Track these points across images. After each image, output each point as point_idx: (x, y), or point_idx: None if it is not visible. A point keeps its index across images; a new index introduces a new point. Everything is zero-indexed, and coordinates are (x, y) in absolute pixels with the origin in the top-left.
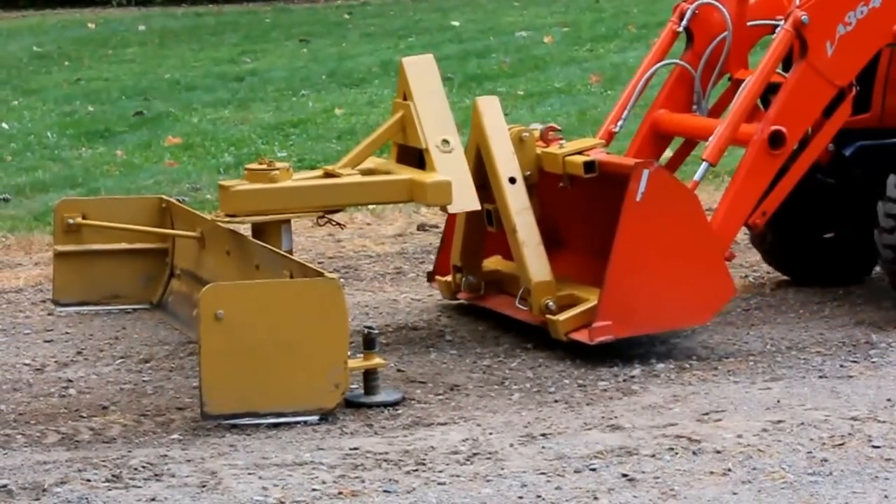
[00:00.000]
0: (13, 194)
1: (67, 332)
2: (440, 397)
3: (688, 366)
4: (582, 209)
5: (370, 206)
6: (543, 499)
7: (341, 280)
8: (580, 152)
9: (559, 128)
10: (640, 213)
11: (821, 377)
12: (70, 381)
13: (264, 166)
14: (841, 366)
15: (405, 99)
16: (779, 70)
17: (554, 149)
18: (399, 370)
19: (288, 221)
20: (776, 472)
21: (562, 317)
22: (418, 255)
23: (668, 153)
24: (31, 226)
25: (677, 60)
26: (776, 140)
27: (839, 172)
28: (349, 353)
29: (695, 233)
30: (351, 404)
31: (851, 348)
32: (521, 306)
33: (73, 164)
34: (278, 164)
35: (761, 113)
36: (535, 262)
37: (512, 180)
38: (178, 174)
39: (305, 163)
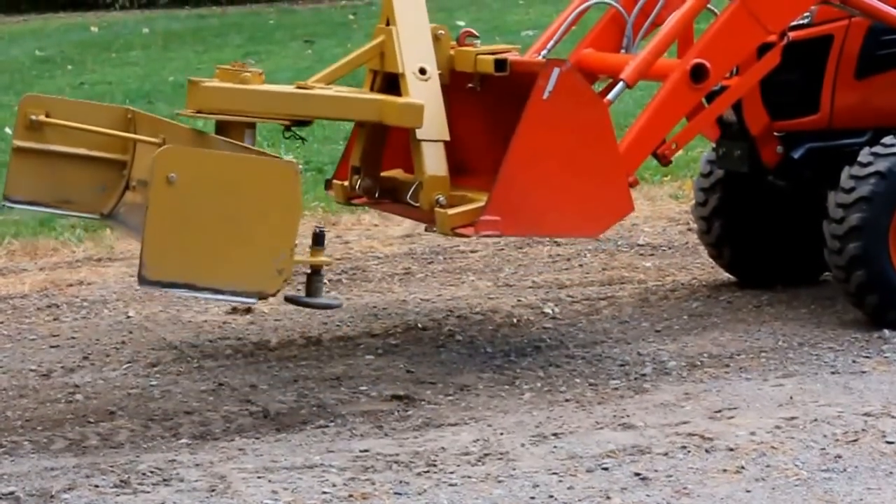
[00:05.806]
0: None
1: (73, 337)
2: (450, 398)
3: (699, 363)
4: (490, 116)
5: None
6: (556, 499)
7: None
8: (494, 53)
9: (476, 33)
10: (544, 112)
11: (833, 373)
12: (77, 386)
13: (237, 67)
14: (853, 361)
15: (388, 24)
16: (711, 6)
17: (467, 48)
18: (408, 371)
19: (253, 126)
20: (790, 468)
21: (450, 211)
22: (426, 256)
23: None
24: (36, 231)
25: (611, 2)
26: (698, 73)
27: (789, 175)
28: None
29: (599, 142)
30: (293, 302)
31: (864, 344)
32: (411, 202)
33: None
34: (250, 68)
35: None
36: (432, 158)
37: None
38: None
39: (312, 165)
